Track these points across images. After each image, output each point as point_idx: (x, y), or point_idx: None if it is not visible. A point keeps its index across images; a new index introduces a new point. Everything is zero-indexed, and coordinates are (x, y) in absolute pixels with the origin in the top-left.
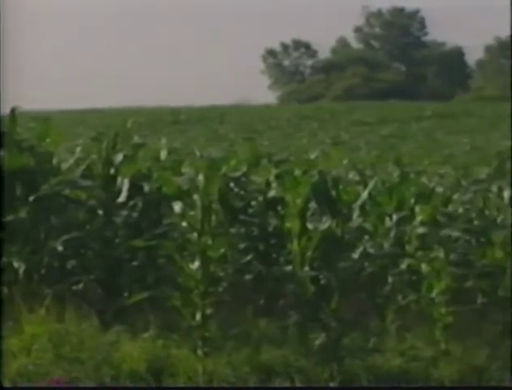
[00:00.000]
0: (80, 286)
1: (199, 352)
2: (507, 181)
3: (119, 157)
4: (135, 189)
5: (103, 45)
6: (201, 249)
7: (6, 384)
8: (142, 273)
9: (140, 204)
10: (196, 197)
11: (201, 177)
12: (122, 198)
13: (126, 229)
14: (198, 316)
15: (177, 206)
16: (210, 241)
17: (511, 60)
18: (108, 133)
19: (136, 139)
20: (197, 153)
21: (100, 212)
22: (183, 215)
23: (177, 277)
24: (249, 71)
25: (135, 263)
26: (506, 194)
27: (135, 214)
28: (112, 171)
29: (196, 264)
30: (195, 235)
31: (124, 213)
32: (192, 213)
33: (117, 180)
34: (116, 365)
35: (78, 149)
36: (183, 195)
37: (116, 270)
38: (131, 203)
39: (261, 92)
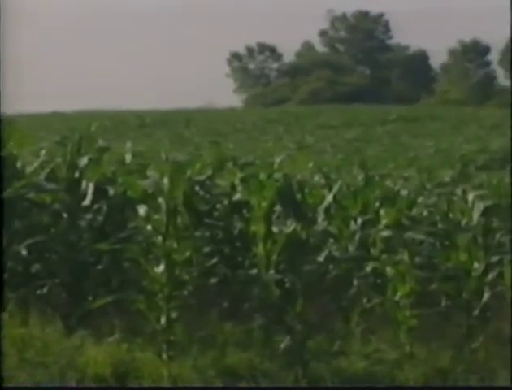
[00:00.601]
0: (45, 290)
1: (164, 355)
2: (471, 184)
3: (84, 160)
4: (100, 193)
5: (68, 48)
6: (166, 253)
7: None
8: (107, 277)
9: (104, 207)
10: (161, 200)
11: (166, 181)
12: (86, 202)
13: (91, 233)
14: (163, 320)
15: (142, 210)
16: (175, 245)
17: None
18: (72, 137)
19: (101, 142)
20: (163, 157)
21: (64, 215)
22: (148, 219)
23: (142, 280)
24: (214, 75)
25: (99, 267)
26: (470, 197)
27: (100, 218)
28: (77, 174)
29: (161, 267)
30: (160, 238)
31: (89, 216)
32: (157, 216)
33: (82, 184)
34: (81, 369)
35: (42, 153)
36: (148, 198)
37: (81, 273)
38: (95, 207)
39: (226, 95)
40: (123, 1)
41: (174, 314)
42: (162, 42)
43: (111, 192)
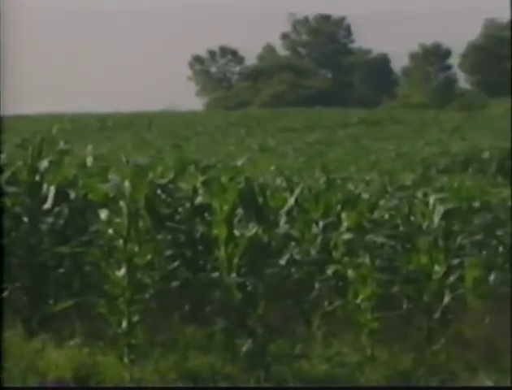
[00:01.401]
0: (5, 294)
1: (125, 359)
2: (432, 187)
3: (45, 163)
4: (61, 196)
5: (29, 49)
6: (128, 256)
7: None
8: (68, 280)
9: (66, 211)
10: (122, 203)
11: (127, 184)
12: (47, 205)
13: (51, 236)
14: (124, 323)
15: (103, 213)
16: (136, 248)
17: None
18: (34, 139)
19: (62, 145)
20: (124, 160)
21: (25, 219)
22: (109, 222)
23: (103, 284)
24: (176, 78)
25: (60, 270)
26: (431, 200)
27: (61, 221)
28: (38, 177)
29: (122, 271)
30: (121, 242)
31: (50, 220)
32: (118, 220)
33: (43, 187)
34: (42, 373)
35: (3, 156)
36: (109, 202)
37: (42, 277)
38: (56, 210)
39: (188, 98)
40: (85, 1)
41: (135, 318)
42: (124, 44)
43: (72, 195)
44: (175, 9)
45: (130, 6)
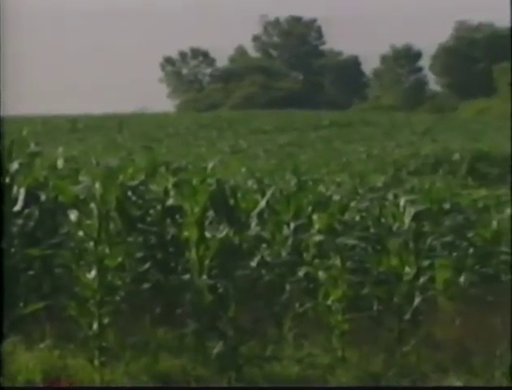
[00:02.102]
0: None
1: (96, 361)
2: (403, 189)
3: (15, 165)
4: (31, 198)
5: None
6: (98, 258)
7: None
8: (38, 282)
9: (36, 213)
10: (93, 205)
11: (98, 186)
12: (18, 207)
13: (22, 238)
14: (95, 325)
15: (74, 215)
16: (107, 250)
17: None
18: (3, 141)
19: (33, 147)
20: (94, 162)
21: None
22: (79, 224)
23: (74, 286)
24: (147, 80)
25: (31, 272)
26: (402, 202)
27: (31, 223)
28: (8, 179)
29: (92, 273)
30: (92, 244)
31: (20, 222)
32: (88, 222)
33: (13, 189)
34: (12, 375)
35: None
36: (80, 204)
37: (12, 279)
38: (27, 212)
39: (159, 100)
40: (56, 2)
41: (106, 320)
42: (96, 46)
43: (43, 197)
44: (148, 10)
45: (103, 6)
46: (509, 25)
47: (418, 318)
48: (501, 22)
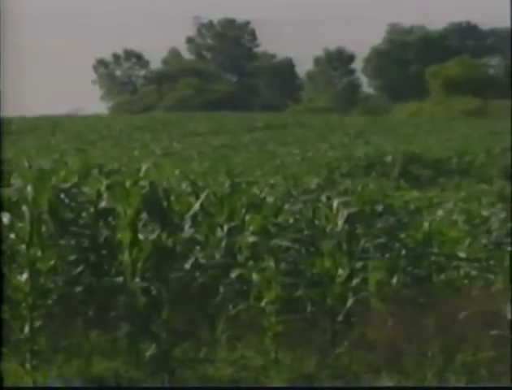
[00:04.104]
0: None
1: (28, 365)
2: (336, 191)
3: None
4: None
5: None
6: (30, 261)
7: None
8: None
9: None
10: (25, 208)
11: (30, 188)
12: None
13: None
14: (27, 329)
15: (5, 218)
16: (39, 253)
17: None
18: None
19: None
20: (27, 164)
21: None
22: (11, 227)
23: (5, 289)
24: (80, 82)
25: None
26: (335, 204)
27: None
28: None
29: (24, 276)
30: (23, 247)
31: None
32: (20, 224)
33: None
34: None
35: None
36: (11, 206)
37: None
38: None
39: (93, 102)
40: None
41: (38, 323)
42: (29, 48)
43: None
44: (81, 12)
45: (36, 7)
46: (439, 28)
47: (351, 320)
48: (433, 24)
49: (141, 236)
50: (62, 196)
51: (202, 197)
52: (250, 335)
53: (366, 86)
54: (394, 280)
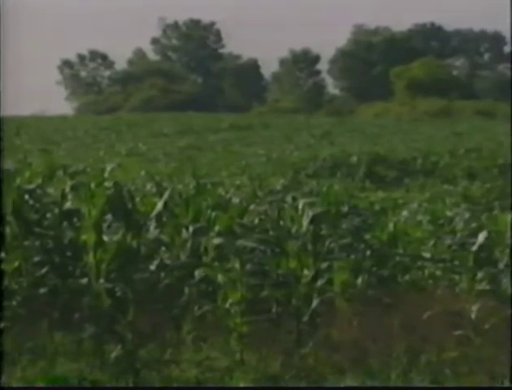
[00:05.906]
0: None
1: None
2: (301, 191)
3: None
4: None
5: None
6: None
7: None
8: None
9: None
10: None
11: None
12: None
13: None
14: None
15: None
16: (3, 254)
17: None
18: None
19: None
20: None
21: None
22: None
23: None
24: (45, 82)
25: None
26: (300, 204)
27: None
28: None
29: None
30: None
31: None
32: None
33: None
34: None
35: None
36: None
37: None
38: None
39: (58, 103)
40: None
41: (2, 325)
42: None
43: None
44: (45, 11)
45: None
46: (404, 29)
47: (316, 320)
48: (398, 26)
49: (105, 237)
50: (27, 197)
51: (167, 197)
52: (216, 336)
53: (332, 87)
54: (359, 281)
